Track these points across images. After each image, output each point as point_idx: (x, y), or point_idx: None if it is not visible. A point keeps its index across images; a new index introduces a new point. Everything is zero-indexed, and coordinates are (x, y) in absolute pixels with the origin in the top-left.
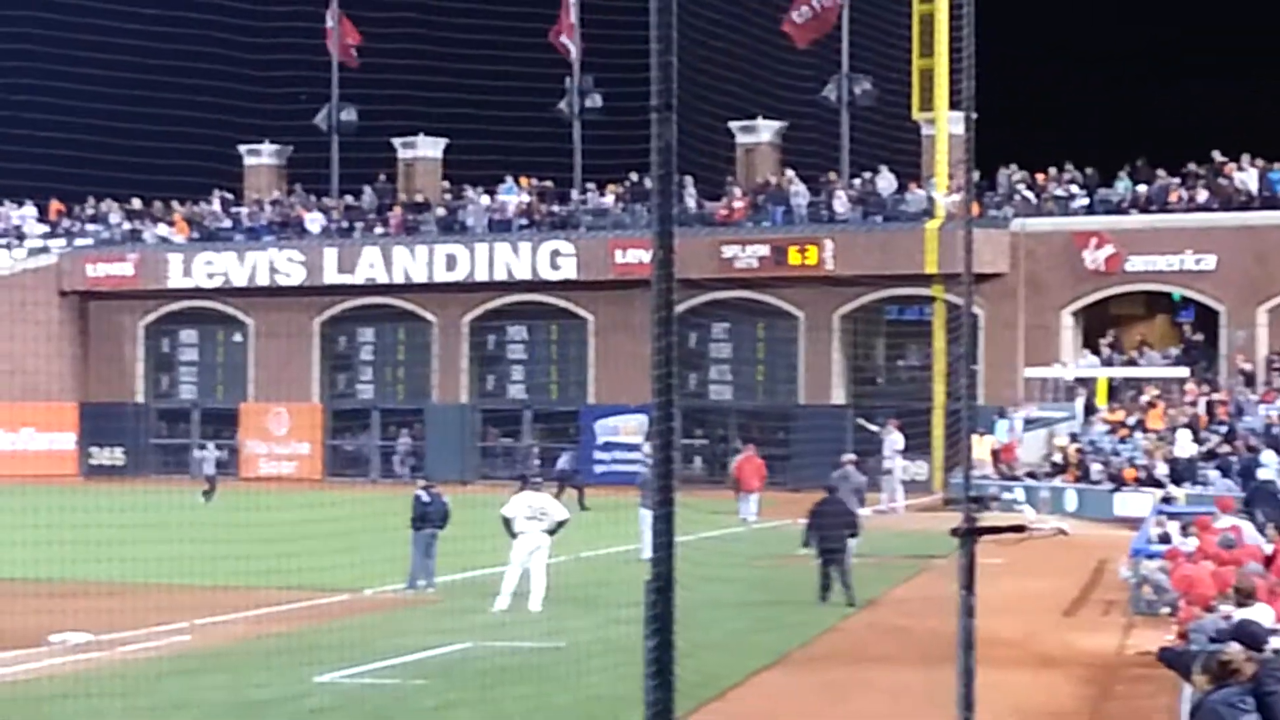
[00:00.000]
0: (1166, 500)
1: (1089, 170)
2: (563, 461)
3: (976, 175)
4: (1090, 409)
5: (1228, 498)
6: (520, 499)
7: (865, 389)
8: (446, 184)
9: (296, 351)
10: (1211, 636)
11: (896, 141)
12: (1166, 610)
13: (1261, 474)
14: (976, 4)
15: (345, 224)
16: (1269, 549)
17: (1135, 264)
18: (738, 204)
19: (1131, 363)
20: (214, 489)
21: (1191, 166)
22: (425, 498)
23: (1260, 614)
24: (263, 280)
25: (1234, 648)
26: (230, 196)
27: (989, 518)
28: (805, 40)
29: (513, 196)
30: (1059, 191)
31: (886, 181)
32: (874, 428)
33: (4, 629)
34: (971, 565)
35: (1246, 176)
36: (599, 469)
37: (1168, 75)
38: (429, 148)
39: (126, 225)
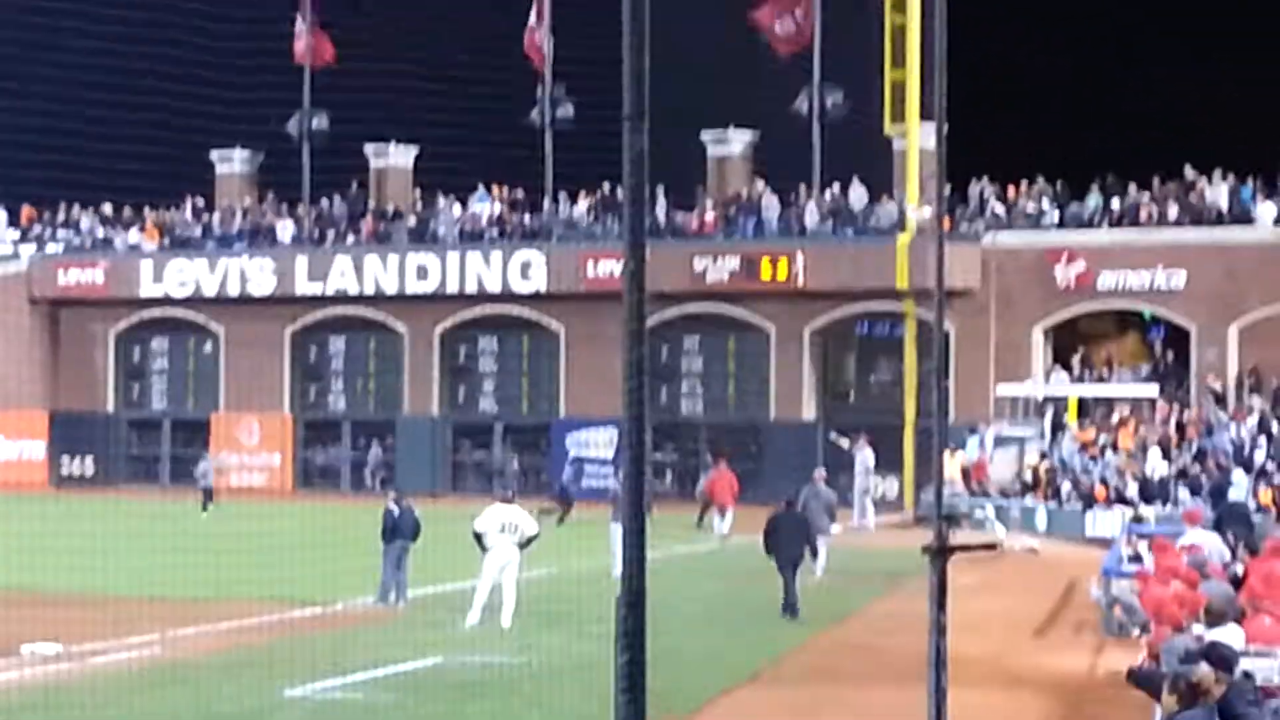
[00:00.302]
0: (1137, 520)
1: (1060, 184)
2: (566, 475)
3: (948, 189)
4: (1059, 427)
5: (1195, 510)
6: (492, 512)
7: (836, 405)
8: (418, 192)
9: (267, 361)
10: (1182, 657)
11: (868, 154)
12: (1137, 631)
13: (1232, 494)
14: (949, 15)
15: (317, 232)
16: (1238, 569)
17: (1106, 280)
18: (709, 216)
19: (1102, 380)
20: (210, 500)
21: (1159, 183)
22: (395, 510)
23: (1230, 635)
24: (233, 289)
25: (1203, 668)
26: (201, 203)
27: (960, 536)
28: (788, 51)
29: (484, 205)
30: (1030, 207)
31: (858, 195)
32: (845, 442)
33: None
34: (943, 583)
35: (1217, 193)
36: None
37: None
38: (400, 155)
39: (99, 232)
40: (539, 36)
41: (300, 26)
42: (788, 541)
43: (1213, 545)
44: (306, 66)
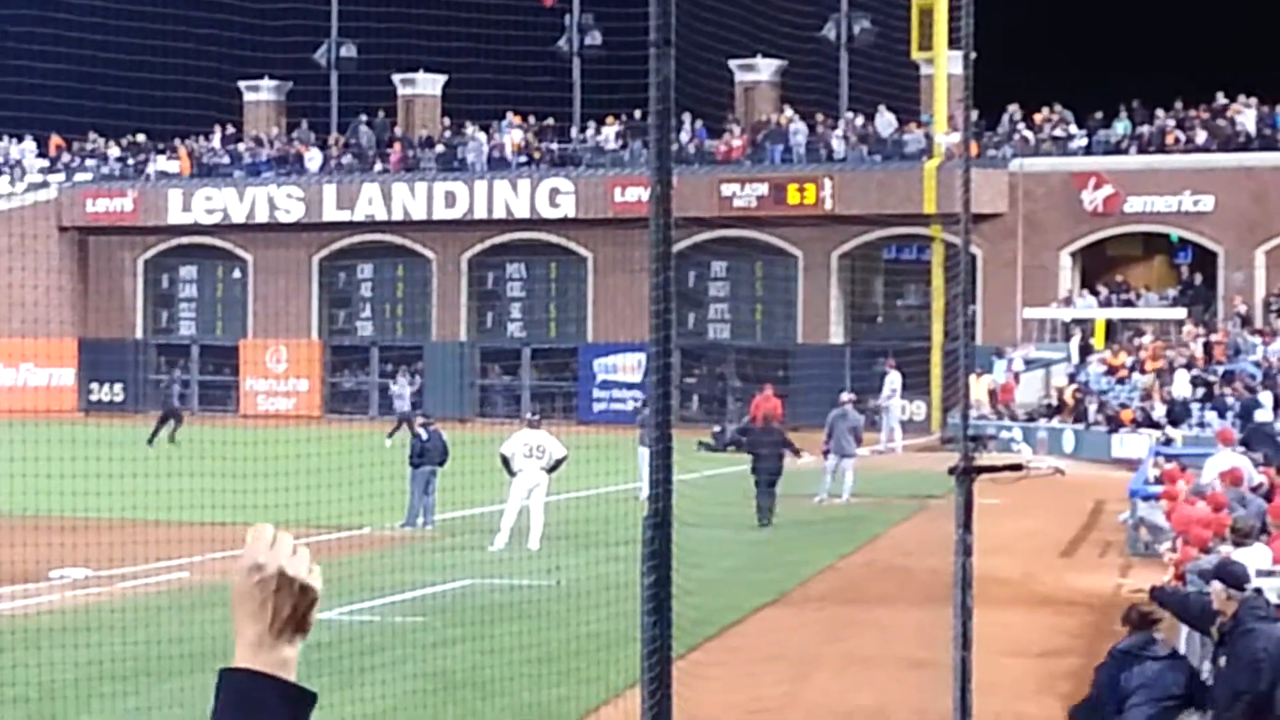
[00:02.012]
0: (1165, 442)
1: (1088, 110)
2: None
3: (975, 115)
4: (1087, 350)
5: (1228, 430)
6: (519, 437)
7: (864, 328)
8: (446, 120)
9: (295, 288)
10: (1204, 577)
11: (895, 81)
12: (1164, 550)
13: (1259, 415)
14: None
15: (345, 160)
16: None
17: (1133, 205)
18: (736, 143)
19: (1129, 304)
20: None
21: (1183, 108)
22: (424, 435)
23: (1256, 555)
24: (262, 216)
25: (1215, 585)
26: (231, 132)
27: (986, 457)
28: None
29: (513, 134)
30: (1057, 132)
31: (885, 121)
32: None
33: (4, 563)
34: (969, 504)
35: (1245, 118)
36: (597, 407)
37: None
38: (429, 85)
39: (129, 160)
40: None
41: None
42: (765, 456)
43: (1245, 467)
44: None
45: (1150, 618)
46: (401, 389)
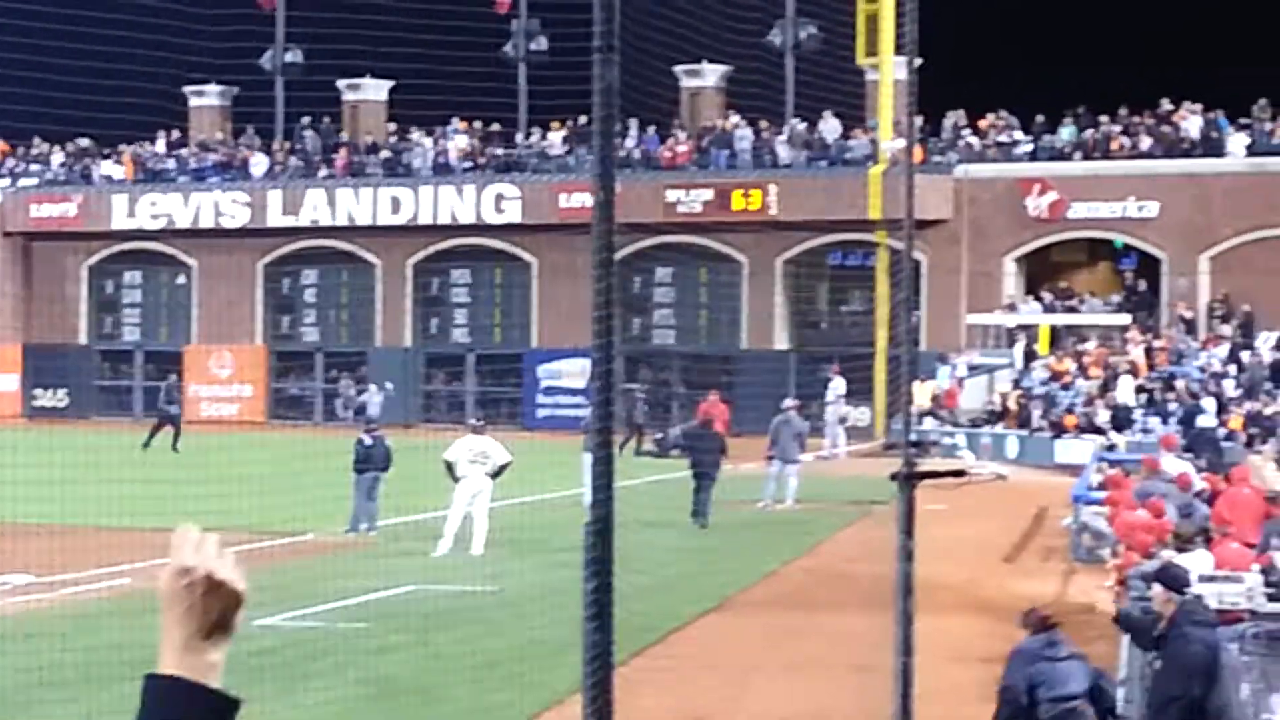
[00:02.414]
0: (1109, 448)
1: (1033, 117)
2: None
3: (920, 121)
4: (1031, 355)
5: (1171, 436)
6: (463, 443)
7: (808, 334)
8: (392, 126)
9: (240, 294)
10: (1146, 582)
11: (841, 87)
12: (1107, 555)
13: (1201, 421)
14: None
15: (290, 166)
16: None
17: (1078, 211)
18: (682, 148)
19: (1073, 309)
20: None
21: (1128, 114)
22: (368, 441)
23: (1198, 560)
24: (207, 222)
25: (1156, 589)
26: (176, 137)
27: (929, 464)
28: None
29: (458, 139)
30: (1002, 138)
31: (831, 127)
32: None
33: None
34: (911, 510)
35: (1189, 124)
36: (542, 413)
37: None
38: (374, 90)
39: (74, 166)
40: None
41: None
42: (705, 456)
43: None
44: (281, 1)
45: (1049, 621)
46: (372, 397)
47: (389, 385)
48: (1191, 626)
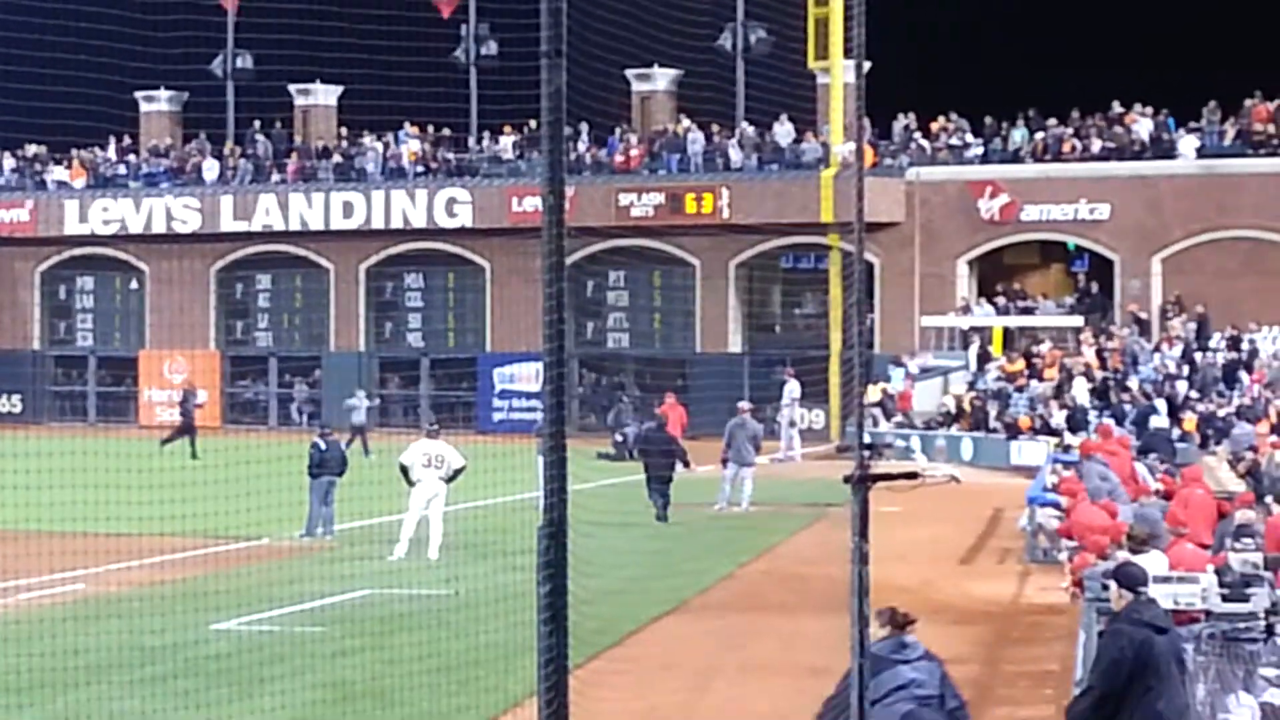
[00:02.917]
0: (1064, 449)
1: (984, 119)
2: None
3: (870, 124)
4: (985, 357)
5: (1107, 425)
6: (418, 446)
7: (762, 337)
8: (344, 131)
9: (193, 299)
10: (1104, 584)
11: (792, 90)
12: (1063, 555)
13: (1155, 422)
14: None
15: (242, 171)
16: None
17: (1030, 213)
18: (634, 152)
19: (1027, 311)
20: (364, 441)
21: (1080, 117)
22: (322, 445)
23: (1153, 561)
24: (159, 227)
25: (1112, 586)
26: (127, 143)
27: (882, 465)
28: None
29: (410, 144)
30: (954, 140)
31: (783, 130)
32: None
33: None
34: (865, 513)
35: (1140, 126)
36: (497, 416)
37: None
38: (325, 95)
39: (25, 171)
40: None
41: None
42: (656, 459)
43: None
44: (229, 6)
45: (906, 619)
46: (359, 402)
47: (360, 393)
48: (1127, 624)
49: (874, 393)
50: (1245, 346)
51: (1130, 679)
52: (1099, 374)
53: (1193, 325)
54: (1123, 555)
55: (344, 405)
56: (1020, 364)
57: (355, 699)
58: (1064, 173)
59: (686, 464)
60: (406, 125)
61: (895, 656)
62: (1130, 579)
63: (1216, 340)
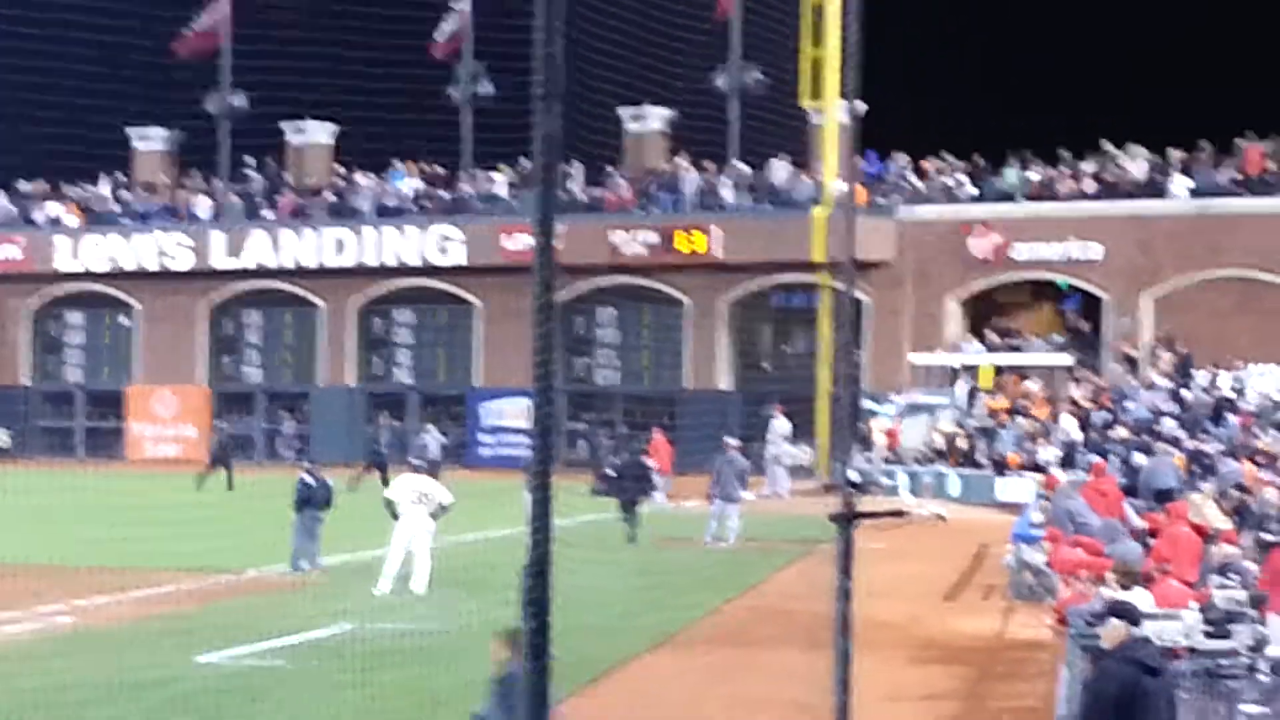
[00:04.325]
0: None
1: (976, 159)
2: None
3: (863, 164)
4: (974, 394)
5: (1102, 463)
6: (404, 481)
7: (752, 375)
8: (342, 169)
9: (184, 335)
10: (1088, 620)
11: (786, 129)
12: (1047, 595)
13: (1141, 459)
14: None
15: (234, 208)
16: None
17: (1021, 252)
18: (625, 192)
19: (1017, 349)
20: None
21: (1072, 156)
22: (310, 480)
23: (1139, 598)
24: (150, 264)
25: (1113, 623)
26: (120, 180)
27: (869, 503)
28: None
29: (404, 182)
30: (946, 180)
31: (777, 169)
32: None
33: None
34: (849, 550)
35: (1133, 166)
36: (485, 452)
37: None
38: (319, 132)
39: (17, 207)
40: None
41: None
42: (629, 485)
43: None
44: (225, 45)
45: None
46: (432, 439)
47: (433, 429)
48: (1115, 663)
49: (876, 429)
50: (1233, 384)
51: (1117, 718)
52: (1089, 411)
53: (1178, 365)
54: (1108, 592)
55: (416, 442)
56: (1004, 401)
57: None
58: (1056, 212)
59: (654, 493)
60: (396, 162)
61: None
62: (1131, 615)
63: (1202, 378)
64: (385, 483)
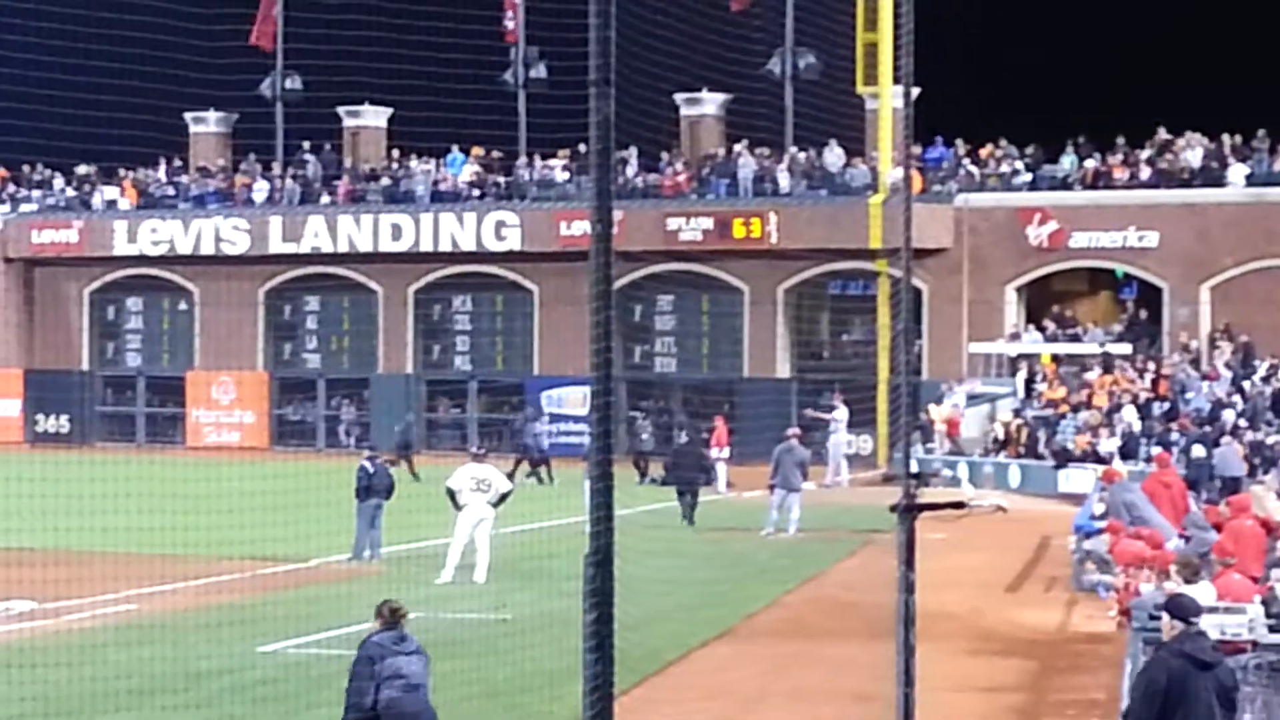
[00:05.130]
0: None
1: (1032, 147)
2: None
3: (920, 150)
4: (1033, 384)
5: (1165, 454)
6: (465, 470)
7: (810, 362)
8: (396, 153)
9: (241, 320)
10: (1151, 613)
11: (841, 115)
12: (1107, 585)
13: (1200, 451)
14: None
15: (291, 192)
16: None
17: (1078, 240)
18: (682, 177)
19: (1075, 339)
20: (548, 466)
21: (1129, 144)
22: (370, 468)
23: (1203, 592)
24: (208, 249)
25: (1164, 619)
26: (176, 164)
27: (928, 494)
28: (739, 6)
29: (462, 168)
30: (1003, 168)
31: (834, 156)
32: (826, 416)
33: None
34: (911, 541)
35: (1190, 154)
36: (544, 440)
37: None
38: (374, 117)
39: (72, 192)
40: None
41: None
42: (685, 470)
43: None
44: (278, 29)
45: (399, 614)
46: (541, 426)
47: (544, 417)
48: (1167, 654)
49: (939, 414)
50: None
51: (1164, 711)
52: (1149, 402)
53: (1239, 355)
54: (1171, 586)
55: (526, 430)
56: (1062, 391)
57: None
58: (1113, 200)
59: (714, 480)
60: (455, 149)
61: (395, 648)
62: (1181, 610)
63: (1262, 369)
64: (414, 474)
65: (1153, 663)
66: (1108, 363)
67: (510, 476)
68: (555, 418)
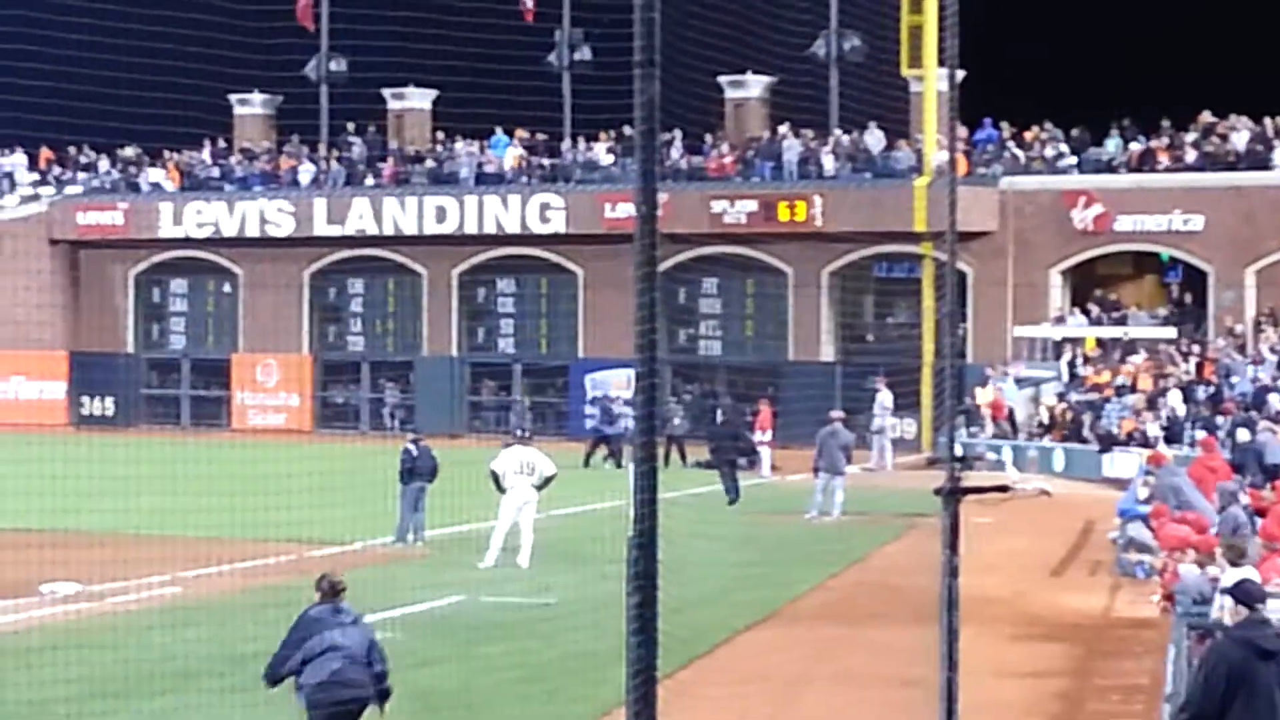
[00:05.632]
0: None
1: (1077, 130)
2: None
3: (965, 133)
4: (1077, 368)
5: (1211, 438)
6: (509, 453)
7: (854, 345)
8: (441, 135)
9: (286, 302)
10: (1195, 598)
11: (886, 98)
12: (1147, 567)
13: (1244, 435)
14: None
15: (336, 175)
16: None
17: (1123, 224)
18: (726, 159)
19: (1120, 322)
20: (682, 450)
21: (1173, 127)
22: (414, 450)
23: (1244, 576)
24: (252, 231)
25: (1227, 603)
26: (221, 146)
27: (974, 477)
28: None
29: (507, 151)
30: (1048, 151)
31: (876, 138)
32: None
33: None
34: (955, 525)
35: (1236, 137)
36: (589, 423)
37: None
38: (419, 99)
39: (117, 174)
40: None
41: None
42: (723, 448)
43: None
44: (324, 10)
45: (338, 587)
46: (671, 412)
47: (673, 401)
48: (1228, 644)
49: (983, 396)
50: None
51: (1225, 700)
52: (1194, 386)
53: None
54: (1214, 570)
55: (604, 414)
56: (1107, 375)
57: (442, 709)
58: (1158, 183)
59: (751, 459)
60: (500, 131)
61: (332, 620)
62: (1246, 595)
63: None
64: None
65: (1211, 652)
66: (1149, 347)
67: (587, 460)
68: (599, 400)
